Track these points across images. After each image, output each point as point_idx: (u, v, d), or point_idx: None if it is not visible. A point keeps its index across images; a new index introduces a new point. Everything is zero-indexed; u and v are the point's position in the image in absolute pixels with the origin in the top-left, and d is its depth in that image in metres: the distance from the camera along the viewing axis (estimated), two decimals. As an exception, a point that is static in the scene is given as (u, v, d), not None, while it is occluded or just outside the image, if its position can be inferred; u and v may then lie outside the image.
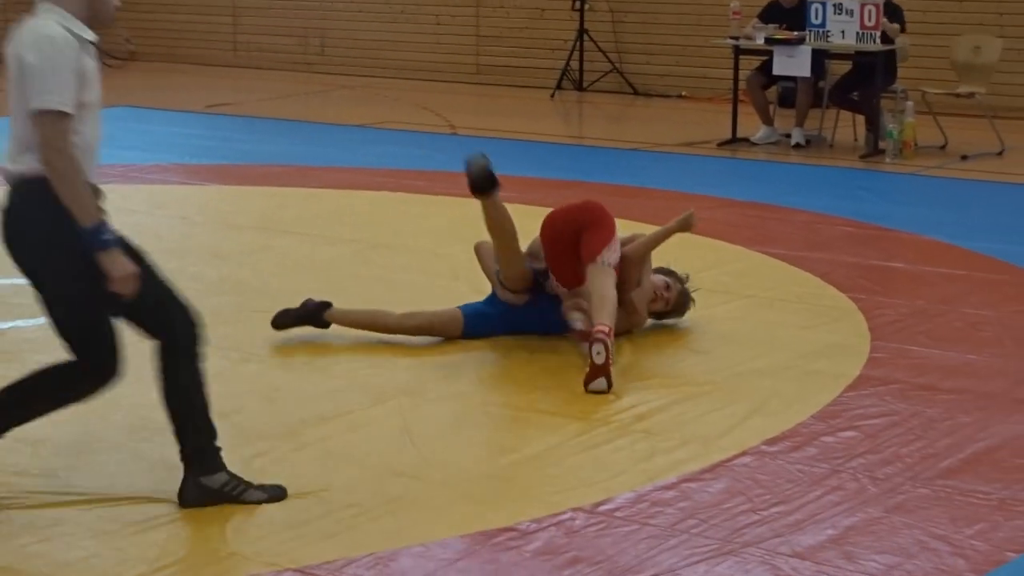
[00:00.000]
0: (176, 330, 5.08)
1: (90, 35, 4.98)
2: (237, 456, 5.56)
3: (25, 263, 4.97)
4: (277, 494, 5.22)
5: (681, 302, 7.33)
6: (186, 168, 12.12)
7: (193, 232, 9.59)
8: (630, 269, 7.09)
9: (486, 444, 5.76)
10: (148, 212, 10.11)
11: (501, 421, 6.03)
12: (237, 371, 6.68)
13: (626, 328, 7.08)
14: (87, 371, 5.06)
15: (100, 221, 4.84)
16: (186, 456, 5.16)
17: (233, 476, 5.19)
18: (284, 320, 7.17)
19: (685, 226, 7.40)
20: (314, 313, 7.15)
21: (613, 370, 6.39)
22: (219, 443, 5.19)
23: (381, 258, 8.35)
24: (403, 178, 11.50)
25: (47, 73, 4.79)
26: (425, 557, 4.71)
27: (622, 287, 6.98)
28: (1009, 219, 10.16)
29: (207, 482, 5.13)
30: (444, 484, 5.36)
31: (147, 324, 5.10)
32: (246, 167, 12.29)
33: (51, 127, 4.78)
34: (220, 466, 5.18)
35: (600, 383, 6.36)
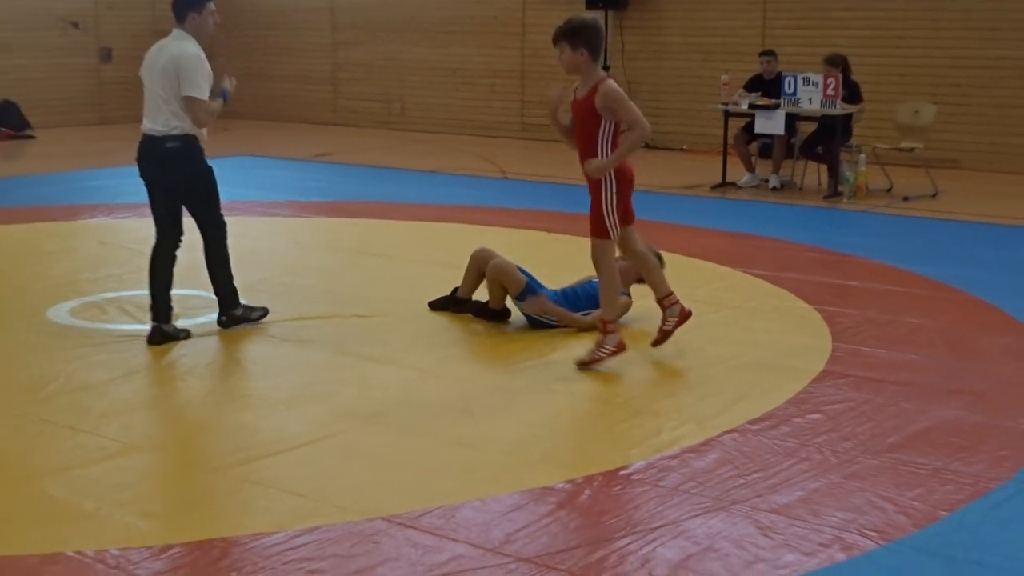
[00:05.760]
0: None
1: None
2: (331, 431, 5.58)
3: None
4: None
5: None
6: (296, 204, 12.17)
7: (302, 254, 9.62)
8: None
9: (530, 421, 5.75)
10: (266, 238, 10.17)
11: (543, 403, 6.02)
12: (334, 363, 6.70)
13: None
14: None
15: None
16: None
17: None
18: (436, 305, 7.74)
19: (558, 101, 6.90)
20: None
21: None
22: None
23: (447, 274, 8.36)
24: (464, 212, 11.50)
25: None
26: (483, 510, 4.71)
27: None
28: (941, 248, 10.08)
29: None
30: (497, 452, 5.36)
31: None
32: (343, 203, 12.33)
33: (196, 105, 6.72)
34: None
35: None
